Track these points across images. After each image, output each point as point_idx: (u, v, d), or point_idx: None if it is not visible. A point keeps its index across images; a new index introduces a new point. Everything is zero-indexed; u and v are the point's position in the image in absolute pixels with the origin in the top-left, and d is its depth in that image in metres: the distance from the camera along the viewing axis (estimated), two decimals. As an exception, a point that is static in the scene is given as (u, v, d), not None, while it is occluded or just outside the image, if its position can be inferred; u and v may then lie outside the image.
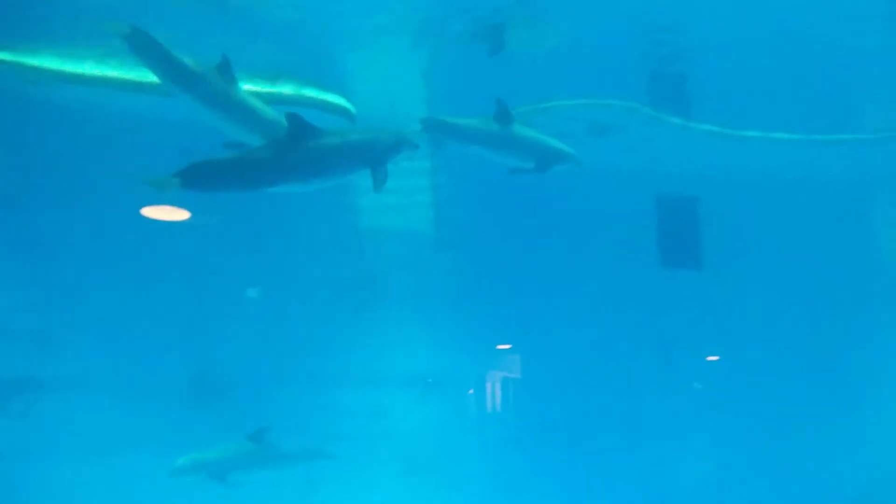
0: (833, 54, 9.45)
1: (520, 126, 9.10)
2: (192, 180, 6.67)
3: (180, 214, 12.69)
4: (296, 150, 6.96)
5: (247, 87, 10.48)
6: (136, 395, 12.99)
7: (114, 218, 11.99)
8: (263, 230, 13.11)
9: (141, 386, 13.03)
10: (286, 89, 10.66)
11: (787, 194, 13.13)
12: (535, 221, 13.34)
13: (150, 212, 12.55)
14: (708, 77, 10.28)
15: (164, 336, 13.12)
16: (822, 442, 14.30)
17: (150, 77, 8.06)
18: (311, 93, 10.84)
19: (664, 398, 14.70)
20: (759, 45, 9.35)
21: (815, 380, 14.59)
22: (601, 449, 14.44)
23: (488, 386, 16.01)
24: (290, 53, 10.01)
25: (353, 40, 9.77)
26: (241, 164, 7.02)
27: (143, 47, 7.79)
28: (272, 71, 10.25)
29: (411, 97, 11.09)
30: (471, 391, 16.05)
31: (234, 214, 11.82)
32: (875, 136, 11.72)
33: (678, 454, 14.49)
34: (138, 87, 9.48)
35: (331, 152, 7.21)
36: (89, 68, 9.51)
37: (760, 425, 14.65)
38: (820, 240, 13.72)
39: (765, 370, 14.58)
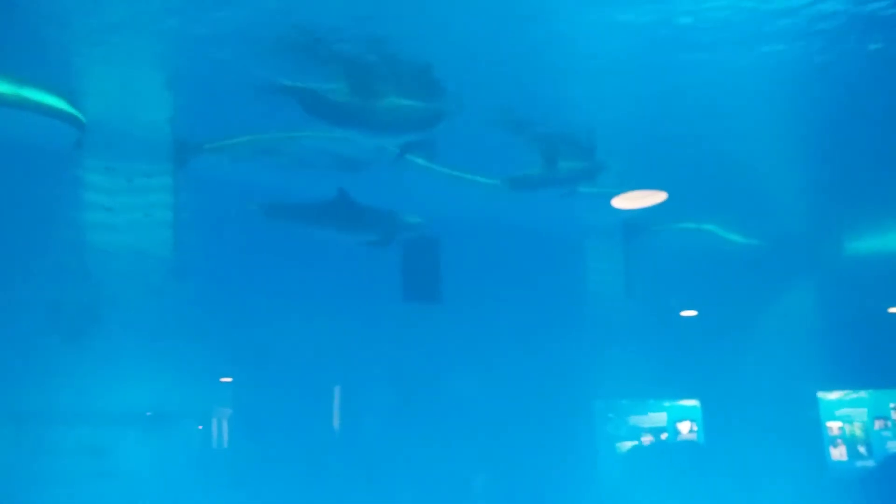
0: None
1: None
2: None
3: None
4: None
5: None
6: None
7: None
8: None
9: None
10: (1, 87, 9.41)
11: (510, 238, 14.22)
12: (278, 254, 13.06)
13: None
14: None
15: None
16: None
17: None
18: (32, 94, 9.69)
19: (401, 431, 15.01)
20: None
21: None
22: (331, 485, 14.32)
23: (215, 422, 15.19)
24: (8, 42, 8.73)
25: (83, 36, 8.68)
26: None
27: None
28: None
29: (154, 109, 10.28)
30: (199, 427, 15.11)
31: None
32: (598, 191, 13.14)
33: (407, 486, 14.82)
34: None
35: None
36: None
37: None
38: (539, 281, 15.05)
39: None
